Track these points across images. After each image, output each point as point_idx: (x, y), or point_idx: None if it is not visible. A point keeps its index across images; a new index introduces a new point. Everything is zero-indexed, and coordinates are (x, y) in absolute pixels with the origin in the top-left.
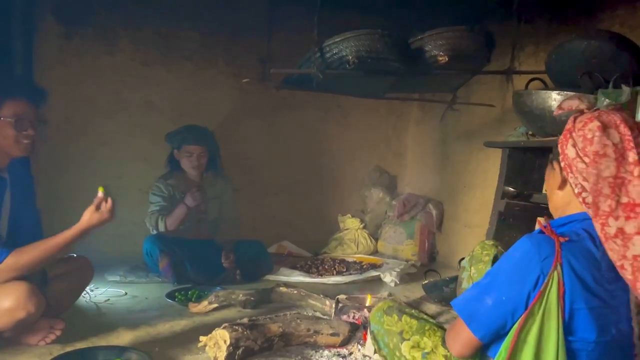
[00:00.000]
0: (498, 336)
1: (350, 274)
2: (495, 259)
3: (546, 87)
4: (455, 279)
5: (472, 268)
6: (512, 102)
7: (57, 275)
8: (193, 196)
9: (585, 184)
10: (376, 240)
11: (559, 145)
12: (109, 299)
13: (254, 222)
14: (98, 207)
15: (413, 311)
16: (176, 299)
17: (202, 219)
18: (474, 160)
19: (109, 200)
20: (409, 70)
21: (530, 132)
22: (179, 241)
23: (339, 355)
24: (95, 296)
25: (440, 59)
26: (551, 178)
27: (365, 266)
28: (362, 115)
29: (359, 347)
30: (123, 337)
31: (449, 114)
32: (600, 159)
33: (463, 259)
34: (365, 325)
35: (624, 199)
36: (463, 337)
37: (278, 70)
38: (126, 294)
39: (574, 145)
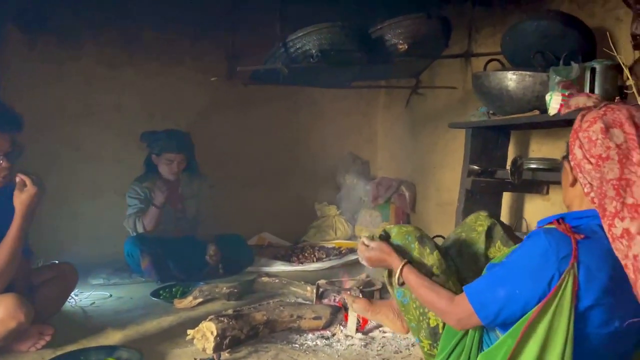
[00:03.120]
0: (504, 324)
1: (330, 260)
2: (489, 231)
3: (503, 68)
4: None
5: (463, 234)
6: (472, 84)
7: (42, 282)
8: (160, 189)
9: (593, 183)
10: (353, 225)
11: (569, 144)
12: (94, 302)
13: (232, 216)
14: (21, 189)
15: (441, 251)
16: (161, 297)
17: (181, 218)
18: (442, 141)
19: (27, 177)
20: (372, 60)
21: (491, 112)
22: (160, 240)
23: (322, 337)
24: (81, 300)
25: (400, 47)
26: (564, 175)
27: (344, 251)
28: (332, 104)
29: (341, 328)
30: (112, 337)
31: (414, 98)
32: (603, 162)
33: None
34: (345, 307)
35: (629, 200)
36: (470, 321)
37: (244, 68)
38: (111, 295)
39: (581, 147)
